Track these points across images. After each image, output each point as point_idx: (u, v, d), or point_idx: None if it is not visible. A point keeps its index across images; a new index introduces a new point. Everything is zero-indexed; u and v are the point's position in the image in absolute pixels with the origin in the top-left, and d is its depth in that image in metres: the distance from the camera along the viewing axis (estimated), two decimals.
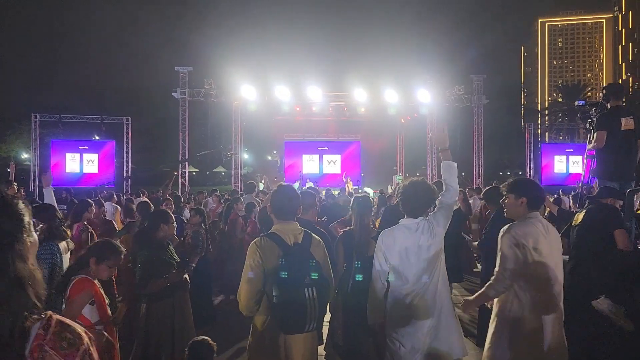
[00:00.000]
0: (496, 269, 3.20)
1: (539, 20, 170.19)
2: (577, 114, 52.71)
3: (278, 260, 2.78)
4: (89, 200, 6.99)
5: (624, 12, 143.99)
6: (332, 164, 27.57)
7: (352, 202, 4.28)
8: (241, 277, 2.85)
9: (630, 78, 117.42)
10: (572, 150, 22.81)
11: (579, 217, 4.16)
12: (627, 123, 4.61)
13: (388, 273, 3.27)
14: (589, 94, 61.72)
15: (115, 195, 10.74)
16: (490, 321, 3.33)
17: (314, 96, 20.51)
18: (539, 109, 74.10)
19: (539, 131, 40.47)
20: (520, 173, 41.28)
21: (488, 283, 3.24)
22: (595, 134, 4.80)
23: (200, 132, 48.26)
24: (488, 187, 6.03)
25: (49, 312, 1.17)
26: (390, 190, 19.74)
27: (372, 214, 5.11)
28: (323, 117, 24.13)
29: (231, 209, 7.82)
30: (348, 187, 17.59)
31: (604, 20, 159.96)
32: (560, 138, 47.71)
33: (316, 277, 2.77)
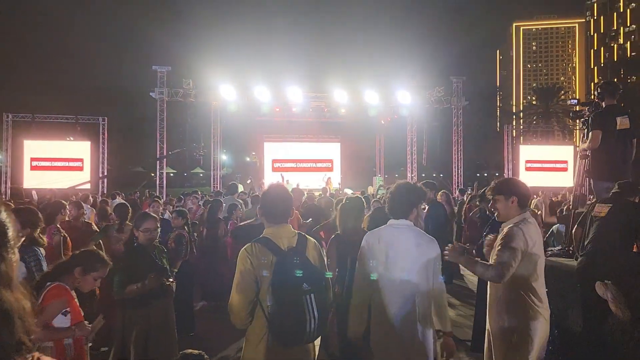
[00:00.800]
0: (501, 259, 2.99)
1: (514, 24, 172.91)
2: (552, 117, 53.74)
3: (272, 267, 2.56)
4: (62, 201, 6.74)
5: (595, 17, 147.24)
6: (312, 164, 27.49)
7: (337, 204, 4.15)
8: (232, 287, 2.62)
9: (602, 82, 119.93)
10: (548, 153, 23.14)
11: (603, 210, 4.07)
12: (622, 122, 4.56)
13: (372, 275, 3.11)
14: (562, 96, 62.75)
15: (90, 197, 10.41)
16: (502, 335, 3.15)
17: (294, 97, 20.40)
18: (514, 111, 75.26)
19: (514, 133, 40.99)
20: (497, 174, 41.83)
21: (489, 265, 3.04)
22: (590, 134, 4.73)
23: (179, 133, 47.60)
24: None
25: (36, 355, 0.95)
26: (370, 191, 19.72)
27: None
28: (303, 117, 24.03)
29: (216, 210, 7.59)
30: (329, 188, 17.51)
31: (576, 25, 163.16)
32: (535, 140, 48.46)
33: (315, 284, 2.56)
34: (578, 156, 5.17)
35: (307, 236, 2.85)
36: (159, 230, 4.10)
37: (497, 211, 3.34)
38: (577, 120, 5.34)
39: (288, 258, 2.60)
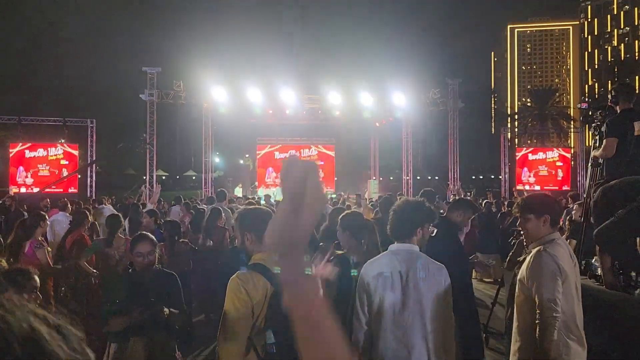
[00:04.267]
0: (544, 297, 2.62)
1: (509, 26, 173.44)
2: (547, 119, 53.60)
3: (269, 298, 2.18)
4: (42, 212, 6.37)
5: (589, 20, 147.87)
6: None
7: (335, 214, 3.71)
8: (221, 324, 2.19)
9: (596, 84, 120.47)
10: (544, 155, 22.87)
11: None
12: None
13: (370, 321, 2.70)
14: (557, 98, 62.69)
15: (69, 205, 9.91)
16: None
17: (288, 98, 20.01)
18: (509, 113, 75.19)
19: (509, 135, 40.79)
20: (492, 177, 41.61)
21: (540, 325, 2.63)
22: (604, 141, 4.29)
23: (169, 135, 47.11)
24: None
25: None
26: (366, 195, 19.31)
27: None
28: (297, 120, 23.67)
29: (216, 217, 7.18)
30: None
31: (570, 27, 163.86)
32: (530, 142, 48.26)
33: None
34: (589, 164, 4.74)
35: None
36: (156, 253, 3.52)
37: (526, 230, 2.96)
38: (587, 126, 4.87)
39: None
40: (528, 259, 2.88)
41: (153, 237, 3.59)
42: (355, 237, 3.39)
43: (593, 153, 4.59)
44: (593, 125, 4.65)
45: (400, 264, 2.68)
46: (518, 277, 2.94)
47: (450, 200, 10.91)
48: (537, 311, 2.66)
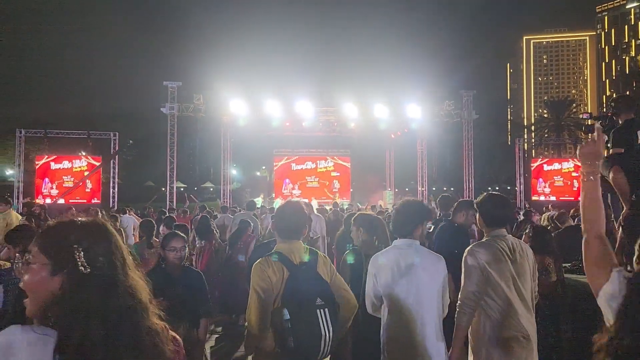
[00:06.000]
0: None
1: (524, 38, 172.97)
2: (563, 130, 53.36)
3: (286, 282, 2.55)
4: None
5: (606, 30, 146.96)
6: (322, 179, 27.48)
7: (348, 218, 4.06)
8: (249, 301, 2.59)
9: (614, 94, 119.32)
10: (560, 166, 22.93)
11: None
12: None
13: (380, 298, 3.08)
14: (574, 109, 62.37)
15: (100, 213, 10.38)
16: None
17: (304, 111, 20.40)
18: (525, 125, 74.89)
19: (526, 146, 40.75)
20: (509, 188, 41.51)
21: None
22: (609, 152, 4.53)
23: (189, 148, 47.90)
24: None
25: None
26: (382, 206, 19.58)
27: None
28: (313, 132, 24.06)
29: (245, 228, 7.56)
30: (337, 202, 17.44)
31: (587, 38, 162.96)
32: (547, 153, 48.12)
33: (327, 298, 2.54)
34: None
35: (317, 251, 2.84)
36: (186, 250, 3.88)
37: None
38: (590, 135, 5.10)
39: (301, 273, 2.59)
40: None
41: (184, 235, 3.97)
42: (367, 233, 3.75)
43: None
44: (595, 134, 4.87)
45: (402, 256, 3.03)
46: None
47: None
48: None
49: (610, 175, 4.34)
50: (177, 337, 1.54)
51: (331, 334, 2.48)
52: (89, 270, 1.27)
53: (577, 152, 1.94)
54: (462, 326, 3.02)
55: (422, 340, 2.92)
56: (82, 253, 1.28)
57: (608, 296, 1.52)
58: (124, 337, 1.27)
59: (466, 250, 3.13)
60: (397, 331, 2.98)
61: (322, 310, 2.48)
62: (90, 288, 1.26)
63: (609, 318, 1.49)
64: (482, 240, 3.27)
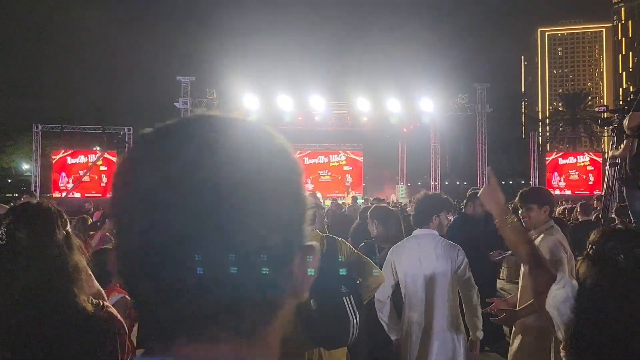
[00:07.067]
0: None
1: (539, 30, 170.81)
2: (579, 123, 52.72)
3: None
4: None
5: (623, 21, 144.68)
6: (334, 173, 27.51)
7: (364, 211, 4.15)
8: None
9: (631, 87, 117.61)
10: (575, 160, 22.70)
11: None
12: None
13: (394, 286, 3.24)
14: (589, 102, 61.60)
15: (33, 196, 10.52)
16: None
17: (317, 105, 20.42)
18: (540, 118, 74.12)
19: (540, 140, 40.38)
20: (523, 182, 41.16)
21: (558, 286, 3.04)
22: (624, 141, 4.51)
23: None
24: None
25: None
26: (394, 199, 19.56)
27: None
28: (325, 126, 24.05)
29: None
30: (350, 197, 17.46)
31: (603, 30, 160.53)
32: (562, 147, 47.59)
33: (351, 285, 2.59)
34: (607, 164, 4.98)
35: (335, 238, 2.88)
36: None
37: (529, 218, 3.34)
38: (606, 128, 5.03)
39: (323, 263, 2.59)
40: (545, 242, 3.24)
41: None
42: (382, 224, 3.86)
43: (612, 153, 4.82)
44: (610, 127, 4.88)
45: (420, 245, 3.20)
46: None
47: None
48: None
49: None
50: (116, 316, 1.68)
51: (358, 318, 2.52)
52: (4, 242, 1.51)
53: (480, 196, 2.11)
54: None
55: (435, 325, 3.05)
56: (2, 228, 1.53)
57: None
58: (42, 306, 1.47)
59: (553, 241, 3.13)
60: (412, 316, 3.12)
61: (347, 297, 2.51)
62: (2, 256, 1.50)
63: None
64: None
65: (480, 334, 3.17)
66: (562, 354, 1.53)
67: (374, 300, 3.43)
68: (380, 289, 3.17)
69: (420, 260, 3.13)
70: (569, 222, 6.96)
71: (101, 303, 1.64)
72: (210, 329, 0.50)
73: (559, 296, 1.56)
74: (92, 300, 1.61)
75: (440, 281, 3.08)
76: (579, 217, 7.10)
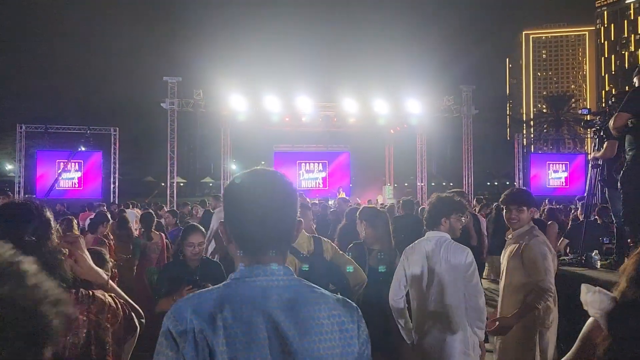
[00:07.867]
0: (537, 278, 3.17)
1: (524, 33, 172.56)
2: (563, 125, 53.39)
3: (298, 273, 2.63)
4: (107, 214, 6.83)
5: (606, 25, 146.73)
6: (322, 174, 27.54)
7: (352, 212, 4.17)
8: None
9: (613, 89, 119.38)
10: (562, 162, 23.01)
11: None
12: None
13: (406, 286, 3.30)
14: (573, 104, 62.39)
15: (103, 207, 10.49)
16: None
17: (304, 106, 20.44)
18: (525, 120, 74.93)
19: (525, 141, 40.80)
20: (507, 183, 41.60)
21: (531, 295, 3.16)
22: (604, 143, 4.59)
23: (189, 143, 47.91)
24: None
25: None
26: (380, 201, 19.66)
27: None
28: (312, 127, 24.07)
29: None
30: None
31: (586, 33, 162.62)
32: (545, 148, 48.13)
33: (339, 283, 2.63)
34: (589, 165, 5.09)
35: (321, 238, 2.91)
36: (204, 244, 3.86)
37: (516, 220, 3.44)
38: (588, 130, 5.09)
39: (311, 261, 2.71)
40: (513, 247, 3.38)
41: (203, 230, 3.91)
42: (371, 226, 3.86)
43: (594, 154, 4.92)
44: (593, 129, 4.98)
45: (430, 246, 3.24)
46: (505, 264, 3.41)
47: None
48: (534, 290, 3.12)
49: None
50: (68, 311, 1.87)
51: None
52: None
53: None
54: (536, 308, 3.18)
55: (442, 326, 3.11)
56: None
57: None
58: None
59: (541, 244, 3.29)
60: (419, 317, 3.20)
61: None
62: None
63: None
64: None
65: (482, 335, 3.22)
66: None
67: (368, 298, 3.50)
68: (393, 289, 3.26)
69: (427, 262, 3.19)
70: (569, 223, 7.13)
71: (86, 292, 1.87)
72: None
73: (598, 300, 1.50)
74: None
75: (446, 283, 3.12)
76: (579, 217, 7.27)
